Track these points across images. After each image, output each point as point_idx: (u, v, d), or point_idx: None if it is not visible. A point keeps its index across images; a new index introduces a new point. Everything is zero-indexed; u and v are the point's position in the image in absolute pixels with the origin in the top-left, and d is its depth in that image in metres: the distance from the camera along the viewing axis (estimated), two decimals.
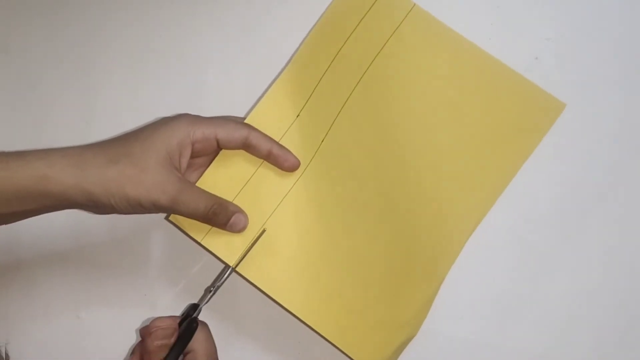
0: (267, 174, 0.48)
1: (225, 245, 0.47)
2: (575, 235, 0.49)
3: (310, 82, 0.49)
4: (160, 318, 0.44)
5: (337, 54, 0.48)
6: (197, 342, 0.45)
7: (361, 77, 0.48)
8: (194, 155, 0.45)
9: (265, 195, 0.48)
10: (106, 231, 0.51)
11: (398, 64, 0.48)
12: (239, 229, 0.46)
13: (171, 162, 0.43)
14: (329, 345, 0.47)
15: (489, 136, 0.48)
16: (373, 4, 0.48)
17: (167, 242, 0.51)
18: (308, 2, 0.50)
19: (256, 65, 0.51)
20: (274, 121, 0.48)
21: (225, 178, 0.47)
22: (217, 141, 0.45)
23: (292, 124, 0.49)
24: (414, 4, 0.49)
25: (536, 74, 0.49)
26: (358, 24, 0.48)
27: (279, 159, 0.47)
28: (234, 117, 0.49)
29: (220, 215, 0.45)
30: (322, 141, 0.49)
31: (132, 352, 0.45)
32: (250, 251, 0.47)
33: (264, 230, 0.47)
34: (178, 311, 0.49)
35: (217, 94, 0.52)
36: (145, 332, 0.44)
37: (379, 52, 0.48)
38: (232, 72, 0.52)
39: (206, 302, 0.46)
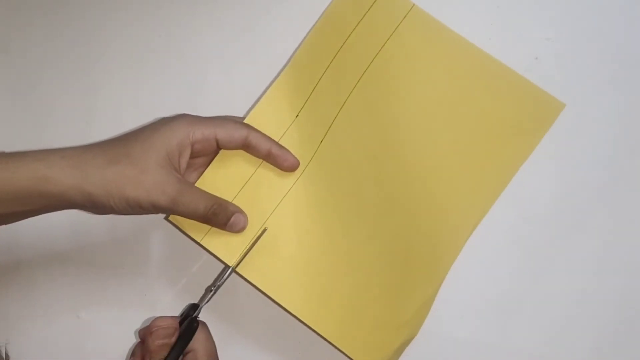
0: (267, 174, 0.48)
1: (224, 246, 0.47)
2: (575, 235, 0.49)
3: (310, 82, 0.49)
4: (161, 317, 0.44)
5: (337, 54, 0.48)
6: (197, 341, 0.45)
7: (360, 77, 0.48)
8: (193, 156, 0.45)
9: (264, 195, 0.48)
10: (106, 231, 0.51)
11: (397, 64, 0.48)
12: (238, 229, 0.46)
13: (171, 162, 0.43)
14: (329, 345, 0.47)
15: (488, 136, 0.48)
16: (372, 4, 0.48)
17: (166, 242, 0.51)
18: (308, 2, 0.50)
19: (256, 65, 0.51)
20: (274, 121, 0.48)
21: (224, 178, 0.47)
22: (217, 141, 0.45)
23: (291, 124, 0.49)
24: (413, 5, 0.49)
25: (536, 74, 0.49)
26: (357, 25, 0.48)
27: (278, 159, 0.47)
28: (233, 117, 0.49)
29: (220, 216, 0.45)
30: (322, 141, 0.49)
31: (132, 353, 0.45)
32: (250, 251, 0.47)
33: (264, 230, 0.47)
34: (178, 311, 0.49)
35: (216, 94, 0.52)
36: (145, 332, 0.44)
37: (378, 52, 0.48)
38: (232, 72, 0.52)
39: (206, 302, 0.46)
